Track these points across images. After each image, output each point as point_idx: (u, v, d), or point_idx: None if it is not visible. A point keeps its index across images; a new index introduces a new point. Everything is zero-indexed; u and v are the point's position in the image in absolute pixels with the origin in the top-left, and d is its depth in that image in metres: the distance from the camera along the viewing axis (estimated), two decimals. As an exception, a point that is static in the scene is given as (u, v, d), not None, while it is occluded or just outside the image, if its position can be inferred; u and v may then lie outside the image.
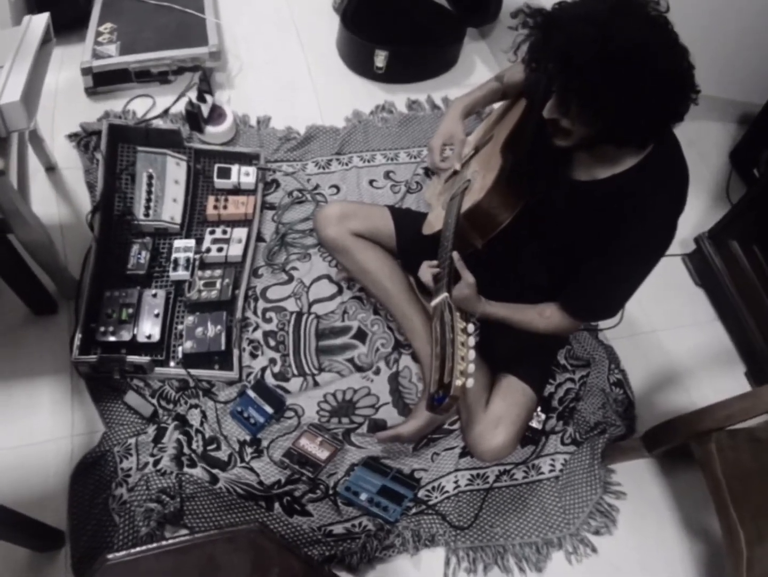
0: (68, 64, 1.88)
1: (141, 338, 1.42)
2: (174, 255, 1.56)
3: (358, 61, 2.00)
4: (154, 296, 1.49)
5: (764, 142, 1.91)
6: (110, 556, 0.73)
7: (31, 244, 1.34)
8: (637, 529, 1.39)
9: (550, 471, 1.45)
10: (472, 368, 0.80)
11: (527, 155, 1.17)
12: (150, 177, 1.64)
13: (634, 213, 1.01)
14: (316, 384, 1.41)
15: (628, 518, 1.40)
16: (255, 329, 1.48)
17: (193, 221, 1.67)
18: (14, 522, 1.05)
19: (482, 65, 2.14)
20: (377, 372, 1.34)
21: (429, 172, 1.90)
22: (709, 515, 1.15)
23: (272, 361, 1.40)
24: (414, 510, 1.35)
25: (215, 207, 1.66)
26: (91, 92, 1.83)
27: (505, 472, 1.42)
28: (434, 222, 1.34)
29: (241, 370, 1.43)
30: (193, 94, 1.76)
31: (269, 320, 1.44)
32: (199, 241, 1.61)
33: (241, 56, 2.00)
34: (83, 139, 1.72)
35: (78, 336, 1.39)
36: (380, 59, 1.90)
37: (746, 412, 1.06)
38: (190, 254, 1.56)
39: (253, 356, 1.44)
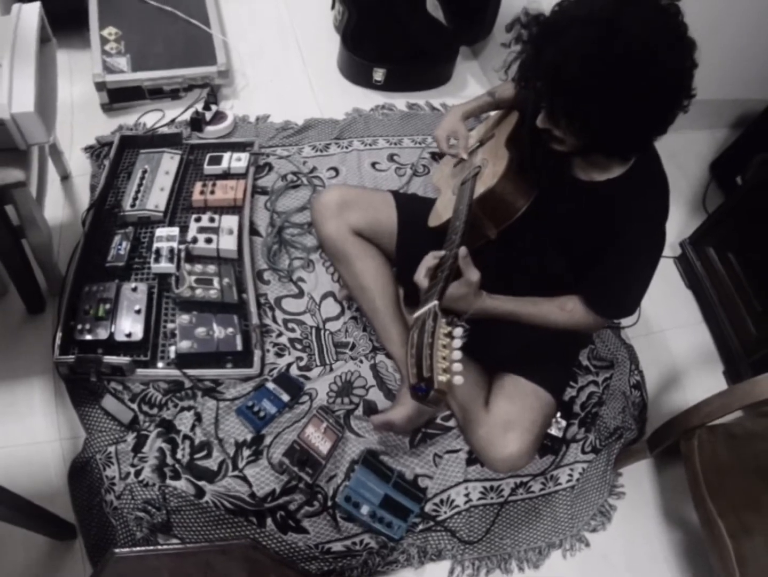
0: (78, 74, 2.09)
1: (119, 337, 1.44)
2: (155, 245, 1.59)
3: (359, 76, 2.25)
4: (134, 290, 1.50)
5: (759, 145, 2.05)
6: (117, 550, 0.82)
7: (37, 247, 1.50)
8: (628, 522, 1.52)
9: (568, 481, 1.51)
10: (457, 366, 0.90)
11: (528, 154, 1.27)
12: (144, 171, 1.76)
13: (626, 216, 1.16)
14: (331, 370, 1.61)
15: (620, 513, 1.53)
16: (279, 336, 1.65)
17: (178, 208, 1.72)
18: (32, 513, 1.17)
19: (475, 84, 2.40)
20: (361, 361, 1.62)
21: (436, 156, 1.97)
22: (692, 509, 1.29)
23: (299, 358, 1.63)
24: (421, 526, 1.39)
25: (201, 192, 1.71)
26: (107, 108, 2.03)
27: (521, 484, 1.47)
28: (442, 211, 1.40)
29: (263, 367, 1.56)
30: (200, 106, 2.00)
31: (293, 330, 1.67)
32: (184, 229, 1.65)
33: (247, 74, 2.23)
34: (96, 150, 1.93)
35: (59, 335, 1.43)
36: (379, 74, 2.20)
37: (723, 408, 1.22)
38: (174, 244, 1.60)
39: (279, 355, 1.63)
